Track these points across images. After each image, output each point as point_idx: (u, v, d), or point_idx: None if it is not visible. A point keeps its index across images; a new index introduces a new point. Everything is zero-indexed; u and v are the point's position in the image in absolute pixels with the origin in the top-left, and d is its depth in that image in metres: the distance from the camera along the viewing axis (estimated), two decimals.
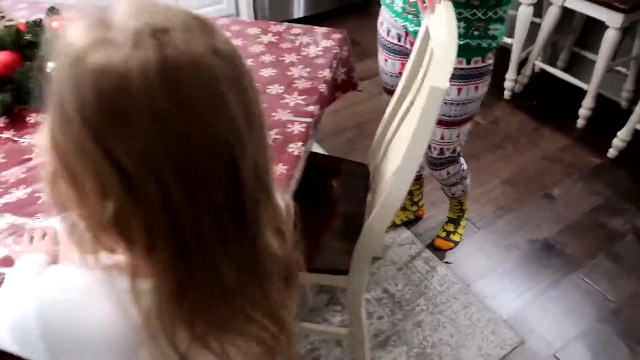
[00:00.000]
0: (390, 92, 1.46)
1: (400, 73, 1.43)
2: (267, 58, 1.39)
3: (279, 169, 1.05)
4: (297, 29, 1.53)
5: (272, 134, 1.13)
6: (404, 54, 1.42)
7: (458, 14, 1.21)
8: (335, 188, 1.47)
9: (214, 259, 0.46)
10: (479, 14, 1.26)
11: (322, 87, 1.29)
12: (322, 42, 1.46)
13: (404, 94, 1.26)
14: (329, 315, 1.61)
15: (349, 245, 1.26)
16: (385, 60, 1.49)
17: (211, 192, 0.44)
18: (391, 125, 1.32)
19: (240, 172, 0.45)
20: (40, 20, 1.28)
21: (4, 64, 1.15)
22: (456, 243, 1.83)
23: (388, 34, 1.44)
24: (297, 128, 1.15)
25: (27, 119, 1.18)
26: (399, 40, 1.41)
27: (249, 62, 1.38)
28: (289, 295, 0.57)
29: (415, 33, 1.32)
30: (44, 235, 0.87)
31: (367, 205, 1.41)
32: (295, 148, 1.10)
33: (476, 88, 1.36)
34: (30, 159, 1.08)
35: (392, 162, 1.17)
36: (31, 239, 0.86)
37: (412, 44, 1.36)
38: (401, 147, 1.10)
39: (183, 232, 0.44)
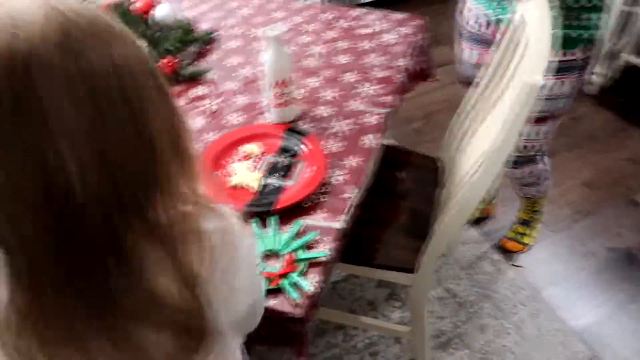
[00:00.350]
0: (467, 84, 1.39)
1: (479, 63, 1.35)
2: (342, 44, 1.35)
3: (352, 161, 1.01)
4: (374, 14, 1.48)
5: (346, 124, 1.10)
6: (484, 43, 1.34)
7: (550, 1, 1.12)
8: (403, 182, 1.42)
9: (47, 283, 0.43)
10: (572, 2, 1.16)
11: (399, 77, 1.23)
12: (400, 29, 1.40)
13: (487, 87, 1.19)
14: (389, 311, 1.58)
15: (415, 242, 1.21)
16: (464, 50, 1.42)
17: (32, 214, 0.40)
18: (468, 119, 1.25)
19: (73, 198, 0.40)
20: (124, 2, 1.31)
21: None
22: (528, 246, 1.73)
23: (469, 22, 1.36)
24: (372, 119, 1.11)
25: None
26: (481, 28, 1.33)
27: (323, 47, 1.35)
28: (189, 349, 0.50)
29: (499, 22, 1.24)
30: None
31: (436, 202, 1.35)
32: (369, 140, 1.06)
33: (564, 83, 1.26)
34: None
35: (469, 159, 1.10)
36: None
37: (494, 33, 1.28)
38: (482, 143, 1.03)
39: (8, 248, 0.42)
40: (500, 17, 1.23)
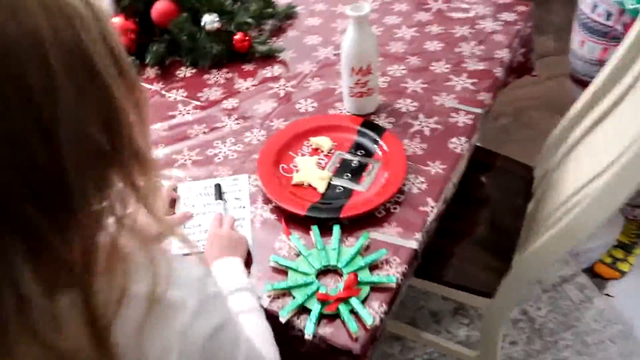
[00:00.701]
0: (581, 83, 1.19)
1: (600, 60, 1.14)
2: (434, 29, 1.20)
3: (434, 167, 0.87)
4: None
5: (431, 123, 0.96)
6: (610, 37, 1.13)
7: None
8: (487, 188, 1.26)
9: None
10: None
11: (498, 71, 1.06)
12: (502, 15, 1.22)
13: (611, 90, 0.99)
14: (454, 327, 1.44)
15: (495, 260, 1.07)
16: (582, 43, 1.21)
17: None
18: (580, 125, 1.06)
19: None
20: None
21: (161, 13, 1.12)
22: (623, 273, 1.51)
23: (594, 10, 1.15)
24: (462, 119, 0.96)
25: (177, 72, 1.15)
26: (608, 19, 1.12)
27: (411, 32, 1.19)
28: None
29: (637, 12, 1.02)
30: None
31: (525, 217, 1.18)
32: (457, 144, 0.91)
33: None
34: (173, 116, 1.04)
35: (580, 174, 0.93)
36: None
37: (626, 25, 1.07)
38: (600, 158, 0.86)
39: None
40: (637, 6, 1.03)
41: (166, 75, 1.14)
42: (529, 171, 1.26)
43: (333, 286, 0.71)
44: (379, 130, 0.92)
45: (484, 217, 1.19)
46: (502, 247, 1.10)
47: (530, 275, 0.97)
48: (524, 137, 1.97)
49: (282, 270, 0.74)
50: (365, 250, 0.75)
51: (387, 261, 0.74)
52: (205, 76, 1.13)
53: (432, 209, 0.81)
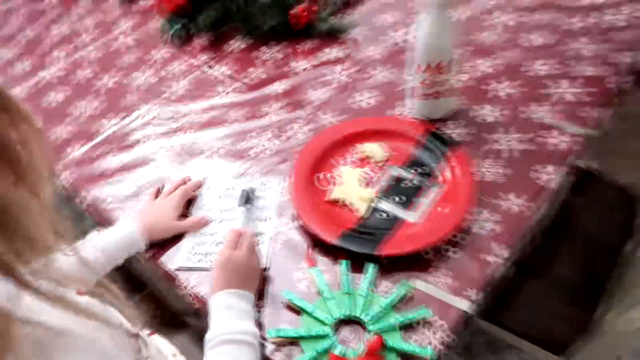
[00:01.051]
0: None
1: None
2: (540, 17, 0.96)
3: (512, 202, 0.68)
4: None
5: (517, 141, 0.75)
6: None
7: None
8: (578, 217, 1.04)
9: None
10: None
11: (619, 80, 0.83)
12: (637, 5, 0.95)
13: None
14: None
15: (577, 311, 0.87)
16: None
17: None
18: None
19: None
20: None
21: None
22: None
23: None
24: (559, 140, 0.74)
25: (226, 46, 1.02)
26: None
27: (509, 18, 0.97)
28: None
29: None
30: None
31: (625, 259, 0.96)
32: (548, 174, 0.71)
33: None
34: (211, 97, 0.92)
35: None
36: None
37: None
38: None
39: None
40: None
41: (214, 47, 1.02)
42: (634, 203, 1.02)
43: (352, 345, 0.56)
44: (446, 143, 0.74)
45: (568, 252, 0.98)
46: (588, 294, 0.90)
47: (624, 348, 0.76)
48: (634, 149, 1.66)
49: (295, 309, 0.60)
50: (402, 301, 0.59)
51: (427, 322, 0.57)
52: (255, 53, 0.99)
53: (500, 260, 0.62)
